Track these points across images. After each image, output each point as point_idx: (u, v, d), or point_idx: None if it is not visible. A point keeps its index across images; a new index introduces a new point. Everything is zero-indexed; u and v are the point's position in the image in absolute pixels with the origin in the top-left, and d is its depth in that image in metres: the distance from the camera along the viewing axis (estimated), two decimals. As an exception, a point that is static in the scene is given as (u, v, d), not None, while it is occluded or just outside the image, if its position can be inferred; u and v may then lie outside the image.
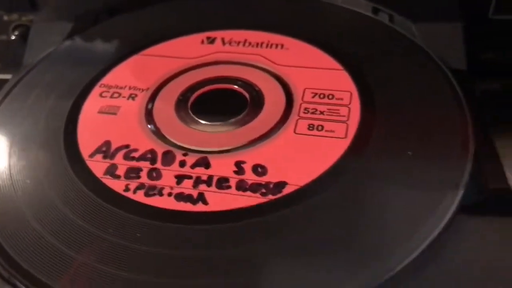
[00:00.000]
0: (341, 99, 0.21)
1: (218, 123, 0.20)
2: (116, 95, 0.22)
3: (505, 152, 0.22)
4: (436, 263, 0.15)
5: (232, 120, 0.20)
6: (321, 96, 0.21)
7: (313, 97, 0.21)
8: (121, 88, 0.22)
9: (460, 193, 0.16)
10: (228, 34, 0.25)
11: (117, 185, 0.18)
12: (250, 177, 0.18)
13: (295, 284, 0.15)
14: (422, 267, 0.15)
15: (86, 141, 0.20)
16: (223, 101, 0.22)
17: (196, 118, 0.21)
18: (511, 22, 0.28)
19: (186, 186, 0.18)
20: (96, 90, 0.22)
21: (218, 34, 0.25)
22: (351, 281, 0.14)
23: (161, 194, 0.18)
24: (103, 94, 0.22)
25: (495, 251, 0.15)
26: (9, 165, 0.19)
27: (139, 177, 0.18)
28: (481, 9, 0.28)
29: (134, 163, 0.19)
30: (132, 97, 0.22)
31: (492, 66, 0.30)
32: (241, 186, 0.18)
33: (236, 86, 0.22)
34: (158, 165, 0.19)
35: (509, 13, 0.28)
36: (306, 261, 0.15)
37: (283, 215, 0.17)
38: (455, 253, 0.15)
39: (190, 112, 0.21)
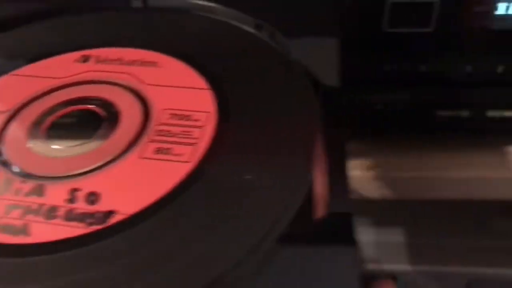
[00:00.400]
0: (198, 120, 0.20)
1: (64, 147, 0.20)
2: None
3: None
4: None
5: (81, 143, 0.20)
6: (179, 117, 0.20)
7: (170, 118, 0.20)
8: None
9: (281, 225, 0.16)
10: (104, 52, 0.24)
11: None
12: (80, 206, 0.17)
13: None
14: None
15: None
16: (81, 124, 0.21)
17: (46, 142, 0.20)
18: (405, 35, 0.28)
19: (14, 216, 0.17)
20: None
21: (94, 52, 0.24)
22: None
23: (-15, 225, 0.17)
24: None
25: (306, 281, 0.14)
26: None
27: (-30, 206, 0.18)
28: (376, 23, 0.28)
29: (-31, 192, 0.18)
30: (-12, 120, 0.21)
31: (391, 77, 0.30)
32: (69, 216, 0.17)
33: (92, 106, 0.21)
34: (-7, 193, 0.18)
35: (402, 26, 0.28)
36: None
37: (104, 245, 0.16)
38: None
39: (41, 135, 0.20)
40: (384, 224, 0.50)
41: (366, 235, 0.39)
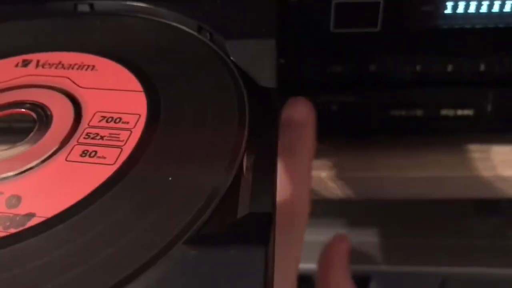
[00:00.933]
0: (127, 122, 0.20)
1: (-4, 149, 0.20)
2: None
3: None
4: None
5: (9, 147, 0.20)
6: (109, 120, 0.20)
7: (100, 121, 0.20)
8: None
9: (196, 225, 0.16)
10: (44, 56, 0.24)
11: None
12: (2, 209, 0.17)
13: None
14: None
15: None
16: (12, 128, 0.21)
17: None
18: (353, 35, 0.28)
19: None
20: None
21: (34, 56, 0.24)
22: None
23: None
24: None
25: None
26: None
27: None
28: (323, 23, 0.28)
29: None
30: None
31: (339, 79, 0.30)
32: (-12, 219, 0.17)
33: (24, 110, 0.21)
34: None
35: (348, 26, 0.28)
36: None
37: (18, 248, 0.16)
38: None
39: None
40: (350, 225, 0.50)
41: (327, 236, 0.39)
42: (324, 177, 0.33)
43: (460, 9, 0.28)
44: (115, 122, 0.20)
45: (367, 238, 0.51)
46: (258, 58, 0.23)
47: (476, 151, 0.34)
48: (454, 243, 0.49)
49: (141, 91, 0.22)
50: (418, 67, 0.30)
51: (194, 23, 0.25)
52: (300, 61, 0.30)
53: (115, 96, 0.22)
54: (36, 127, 0.21)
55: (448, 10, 0.29)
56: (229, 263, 0.15)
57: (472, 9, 0.28)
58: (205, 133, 0.19)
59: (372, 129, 0.33)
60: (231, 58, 0.23)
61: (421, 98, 0.32)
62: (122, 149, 0.19)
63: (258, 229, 0.16)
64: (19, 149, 0.20)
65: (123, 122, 0.20)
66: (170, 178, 0.18)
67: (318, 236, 0.40)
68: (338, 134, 0.33)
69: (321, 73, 0.30)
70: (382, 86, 0.31)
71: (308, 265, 0.39)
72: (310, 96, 0.28)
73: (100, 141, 0.19)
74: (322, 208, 0.46)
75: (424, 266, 0.49)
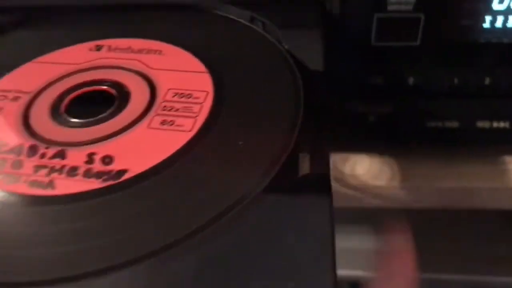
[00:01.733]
0: (198, 98, 0.23)
1: (82, 120, 0.23)
2: (1, 97, 0.24)
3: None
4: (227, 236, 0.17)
5: (96, 117, 0.23)
6: (181, 95, 0.23)
7: (173, 96, 0.23)
8: (7, 91, 0.25)
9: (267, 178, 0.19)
10: (115, 42, 0.27)
11: (-18, 175, 0.20)
12: (97, 166, 0.20)
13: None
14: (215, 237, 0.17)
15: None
16: (95, 102, 0.24)
17: (65, 117, 0.23)
18: (393, 48, 0.29)
19: (41, 175, 0.20)
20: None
21: (106, 42, 0.27)
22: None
23: (18, 181, 0.20)
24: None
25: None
26: None
27: (3, 167, 0.21)
28: (364, 36, 0.29)
29: (1, 156, 0.21)
30: (15, 99, 0.24)
31: (379, 90, 0.31)
32: (88, 174, 0.20)
33: (104, 87, 0.24)
34: (22, 157, 0.21)
35: (390, 40, 0.29)
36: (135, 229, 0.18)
37: (116, 197, 0.19)
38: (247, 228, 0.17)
39: (61, 111, 0.23)
40: (376, 232, 0.51)
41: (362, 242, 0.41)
42: (360, 186, 0.34)
43: (499, 23, 0.29)
44: (186, 97, 0.23)
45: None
46: (308, 44, 0.26)
47: (511, 162, 0.34)
48: (484, 251, 0.49)
49: (205, 72, 0.25)
50: (456, 80, 0.31)
51: (248, 14, 0.28)
52: (340, 72, 0.30)
53: (183, 76, 0.25)
54: (117, 102, 0.24)
55: (487, 24, 0.29)
56: (299, 207, 0.18)
57: (510, 23, 0.28)
58: (265, 106, 0.22)
59: (409, 140, 0.33)
60: (284, 45, 0.26)
61: (458, 109, 0.32)
62: (196, 119, 0.22)
63: (320, 183, 0.19)
64: (104, 119, 0.23)
65: (193, 98, 0.23)
66: (240, 143, 0.21)
67: (354, 243, 0.41)
68: (374, 144, 0.34)
69: (360, 84, 0.31)
70: (419, 97, 0.32)
71: (355, 272, 0.40)
72: (348, 106, 0.29)
73: (176, 113, 0.22)
74: (355, 216, 0.46)
75: (454, 274, 0.48)
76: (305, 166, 0.20)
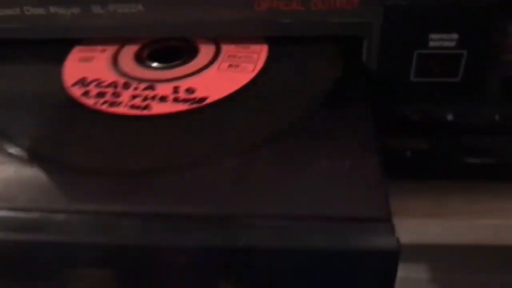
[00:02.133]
0: (255, 49, 0.29)
1: (164, 64, 0.28)
2: (92, 51, 0.30)
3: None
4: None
5: (175, 63, 0.28)
6: (242, 47, 0.29)
7: (235, 48, 0.29)
8: (96, 46, 0.30)
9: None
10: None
11: (90, 101, 0.26)
12: (183, 95, 0.26)
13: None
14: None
15: (69, 77, 0.28)
16: (172, 53, 0.29)
17: (149, 62, 0.28)
18: (432, 84, 0.29)
19: (137, 101, 0.25)
20: (77, 48, 0.30)
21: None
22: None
23: (119, 106, 0.25)
24: (83, 50, 0.30)
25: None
26: None
27: (104, 97, 0.26)
28: (403, 73, 0.29)
29: (102, 89, 0.27)
30: (103, 51, 0.30)
31: (417, 125, 0.31)
32: (176, 100, 0.25)
33: (178, 42, 0.30)
34: (119, 89, 0.26)
35: (429, 76, 0.29)
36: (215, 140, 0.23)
37: (202, 117, 0.24)
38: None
39: (145, 58, 0.29)
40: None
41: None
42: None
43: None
44: (245, 49, 0.29)
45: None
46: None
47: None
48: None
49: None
50: (497, 117, 0.30)
51: None
52: (378, 107, 0.28)
53: (244, 41, 0.30)
54: (188, 54, 0.29)
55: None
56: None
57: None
58: (313, 60, 0.28)
59: (445, 176, 0.33)
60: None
61: (496, 145, 0.31)
62: (256, 64, 0.27)
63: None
64: (178, 65, 0.28)
65: (251, 50, 0.29)
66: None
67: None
68: (409, 179, 0.32)
69: (398, 120, 0.31)
70: (458, 133, 0.31)
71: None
72: (385, 140, 0.29)
73: (239, 60, 0.28)
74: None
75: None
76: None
